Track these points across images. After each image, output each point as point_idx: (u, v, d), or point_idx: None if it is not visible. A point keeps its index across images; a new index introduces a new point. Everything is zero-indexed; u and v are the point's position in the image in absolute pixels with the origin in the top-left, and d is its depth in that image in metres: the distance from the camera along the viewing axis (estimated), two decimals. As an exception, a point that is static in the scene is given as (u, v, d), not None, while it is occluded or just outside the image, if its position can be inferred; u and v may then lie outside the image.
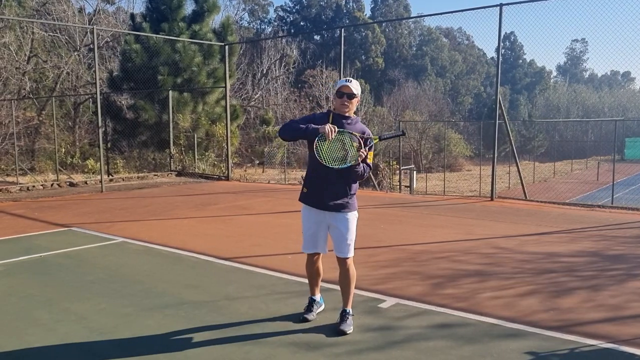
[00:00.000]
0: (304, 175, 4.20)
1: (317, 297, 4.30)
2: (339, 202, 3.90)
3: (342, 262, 4.00)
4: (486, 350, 3.61)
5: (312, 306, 4.22)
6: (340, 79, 4.02)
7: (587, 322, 4.08)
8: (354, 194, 4.00)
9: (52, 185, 13.15)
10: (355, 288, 4.91)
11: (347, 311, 4.03)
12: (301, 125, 3.84)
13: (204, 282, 5.22)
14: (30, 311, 4.42)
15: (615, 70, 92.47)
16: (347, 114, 3.92)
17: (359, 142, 3.82)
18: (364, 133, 3.88)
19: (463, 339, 3.78)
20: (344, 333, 3.88)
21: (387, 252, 6.33)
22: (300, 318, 4.12)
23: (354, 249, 4.03)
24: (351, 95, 3.88)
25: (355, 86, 3.89)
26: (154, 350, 3.65)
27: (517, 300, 4.58)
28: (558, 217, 8.63)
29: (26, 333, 3.95)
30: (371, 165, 3.96)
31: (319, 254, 4.12)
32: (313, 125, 3.79)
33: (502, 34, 10.33)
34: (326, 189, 3.89)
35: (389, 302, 4.56)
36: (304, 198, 4.03)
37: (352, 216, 3.98)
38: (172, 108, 17.73)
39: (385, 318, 4.21)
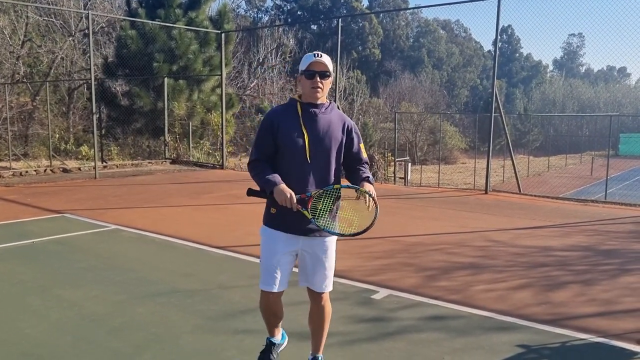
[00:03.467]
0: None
1: (278, 337, 3.28)
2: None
3: (319, 297, 3.11)
4: (478, 342, 3.62)
5: (272, 351, 3.20)
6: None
7: (579, 316, 4.10)
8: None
9: (45, 171, 13.06)
10: (348, 279, 4.94)
11: (319, 358, 3.22)
12: (264, 175, 2.93)
13: (197, 270, 5.20)
14: (22, 297, 4.40)
15: (612, 65, 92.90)
16: (319, 101, 2.87)
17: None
18: (344, 123, 2.94)
19: (455, 331, 3.79)
20: None
21: (381, 244, 6.33)
22: None
23: None
24: (325, 74, 2.82)
25: (328, 61, 2.83)
26: (146, 338, 3.64)
27: (510, 293, 4.60)
28: (552, 211, 8.65)
29: (18, 319, 3.94)
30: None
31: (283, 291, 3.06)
32: (272, 179, 2.89)
33: (500, 27, 10.30)
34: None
35: (382, 293, 4.56)
36: (271, 221, 3.07)
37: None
38: (168, 95, 17.62)
39: (378, 309, 4.21)
